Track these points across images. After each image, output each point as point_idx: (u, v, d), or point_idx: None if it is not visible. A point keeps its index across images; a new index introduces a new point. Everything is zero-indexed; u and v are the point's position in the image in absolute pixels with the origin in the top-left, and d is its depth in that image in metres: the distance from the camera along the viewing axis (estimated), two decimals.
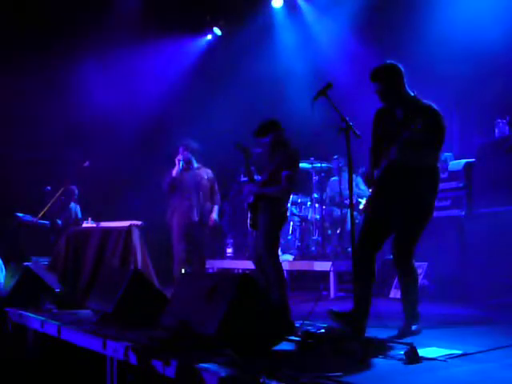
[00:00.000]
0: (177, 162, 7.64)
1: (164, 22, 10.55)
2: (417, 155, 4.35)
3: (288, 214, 5.90)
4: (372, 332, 4.27)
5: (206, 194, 7.73)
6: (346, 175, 8.56)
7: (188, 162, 7.72)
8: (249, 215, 5.64)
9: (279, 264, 5.50)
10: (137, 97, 10.69)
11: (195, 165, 7.78)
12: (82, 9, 9.88)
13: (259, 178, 5.66)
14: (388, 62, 4.54)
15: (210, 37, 11.69)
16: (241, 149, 5.89)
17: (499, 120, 6.82)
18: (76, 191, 10.27)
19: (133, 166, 10.65)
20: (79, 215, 10.19)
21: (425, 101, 4.52)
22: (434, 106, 4.48)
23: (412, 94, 4.52)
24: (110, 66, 10.42)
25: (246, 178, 8.91)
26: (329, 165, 8.88)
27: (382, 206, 4.49)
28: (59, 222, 9.98)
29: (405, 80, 4.51)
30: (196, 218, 7.60)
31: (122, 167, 10.58)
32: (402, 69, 4.52)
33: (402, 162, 4.36)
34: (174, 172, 7.64)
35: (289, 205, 5.84)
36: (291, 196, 6.41)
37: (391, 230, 4.52)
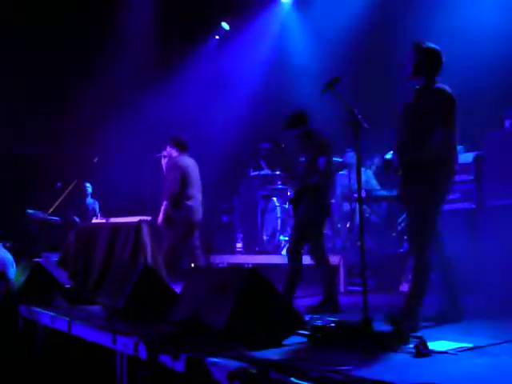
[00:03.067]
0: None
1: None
2: (424, 144, 4.33)
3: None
4: (381, 326, 4.26)
5: (166, 189, 7.21)
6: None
7: (167, 156, 7.37)
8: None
9: (298, 260, 5.55)
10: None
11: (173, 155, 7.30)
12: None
13: (268, 171, 5.70)
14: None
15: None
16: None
17: (509, 112, 6.77)
18: (88, 187, 10.34)
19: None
20: (97, 211, 10.26)
21: (438, 85, 4.47)
22: (445, 89, 4.42)
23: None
24: None
25: (255, 173, 8.91)
26: (339, 159, 8.84)
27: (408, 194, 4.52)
28: (76, 218, 10.04)
29: (438, 72, 4.47)
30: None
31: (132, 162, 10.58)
32: (443, 61, 4.47)
33: (414, 152, 4.36)
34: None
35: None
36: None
37: None
